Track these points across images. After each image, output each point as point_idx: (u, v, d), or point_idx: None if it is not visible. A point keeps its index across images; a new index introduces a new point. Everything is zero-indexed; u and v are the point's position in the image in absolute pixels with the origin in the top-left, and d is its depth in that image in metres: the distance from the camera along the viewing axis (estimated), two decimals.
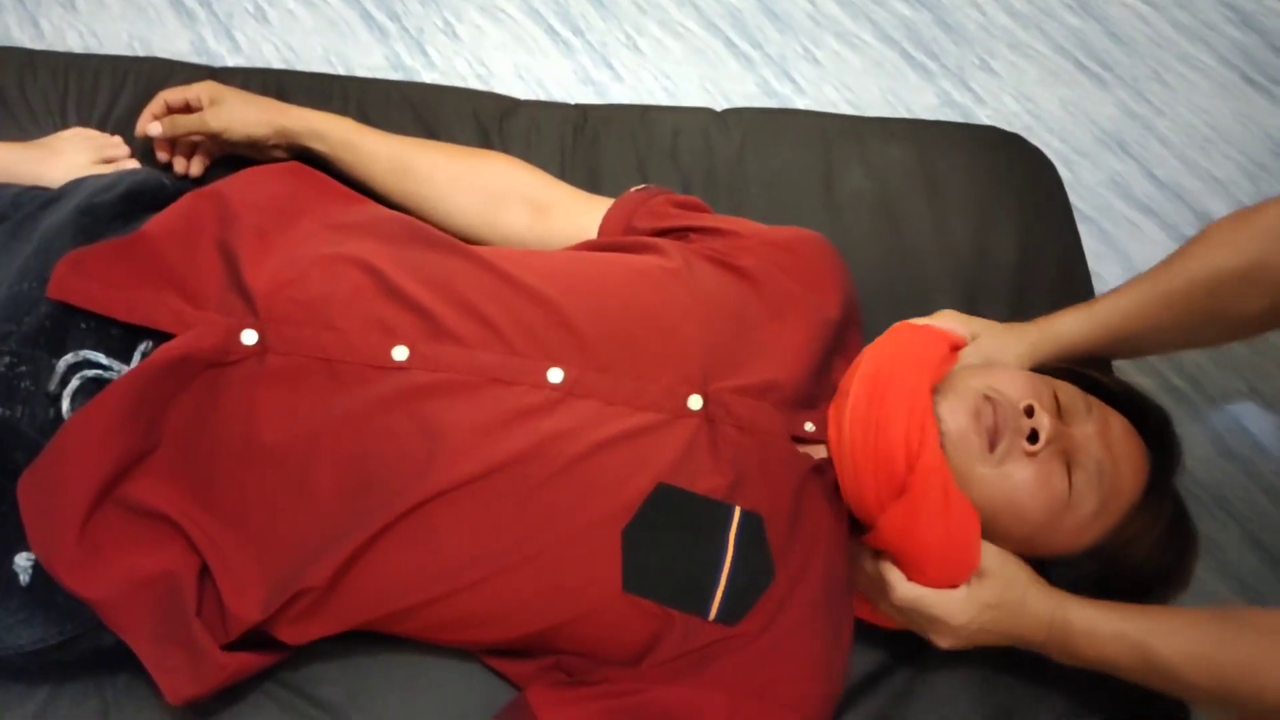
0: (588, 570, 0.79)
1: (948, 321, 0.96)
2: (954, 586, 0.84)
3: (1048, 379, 0.88)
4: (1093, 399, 0.88)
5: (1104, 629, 0.82)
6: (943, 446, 0.82)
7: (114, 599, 0.77)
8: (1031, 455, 0.82)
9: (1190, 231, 1.46)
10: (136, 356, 0.83)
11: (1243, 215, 0.93)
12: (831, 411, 0.89)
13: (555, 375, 0.82)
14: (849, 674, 0.88)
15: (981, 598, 0.84)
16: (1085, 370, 0.94)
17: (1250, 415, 1.33)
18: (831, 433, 0.88)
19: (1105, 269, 1.42)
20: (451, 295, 0.85)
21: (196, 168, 1.10)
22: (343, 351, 0.82)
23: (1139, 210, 1.48)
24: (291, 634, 0.80)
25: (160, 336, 0.83)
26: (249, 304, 0.83)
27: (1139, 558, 0.87)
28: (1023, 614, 0.84)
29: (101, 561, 0.77)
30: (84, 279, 0.82)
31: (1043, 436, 0.82)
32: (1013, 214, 1.23)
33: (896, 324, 0.94)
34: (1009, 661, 0.91)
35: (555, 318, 0.84)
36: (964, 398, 0.84)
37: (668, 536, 0.80)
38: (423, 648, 0.87)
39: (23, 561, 0.78)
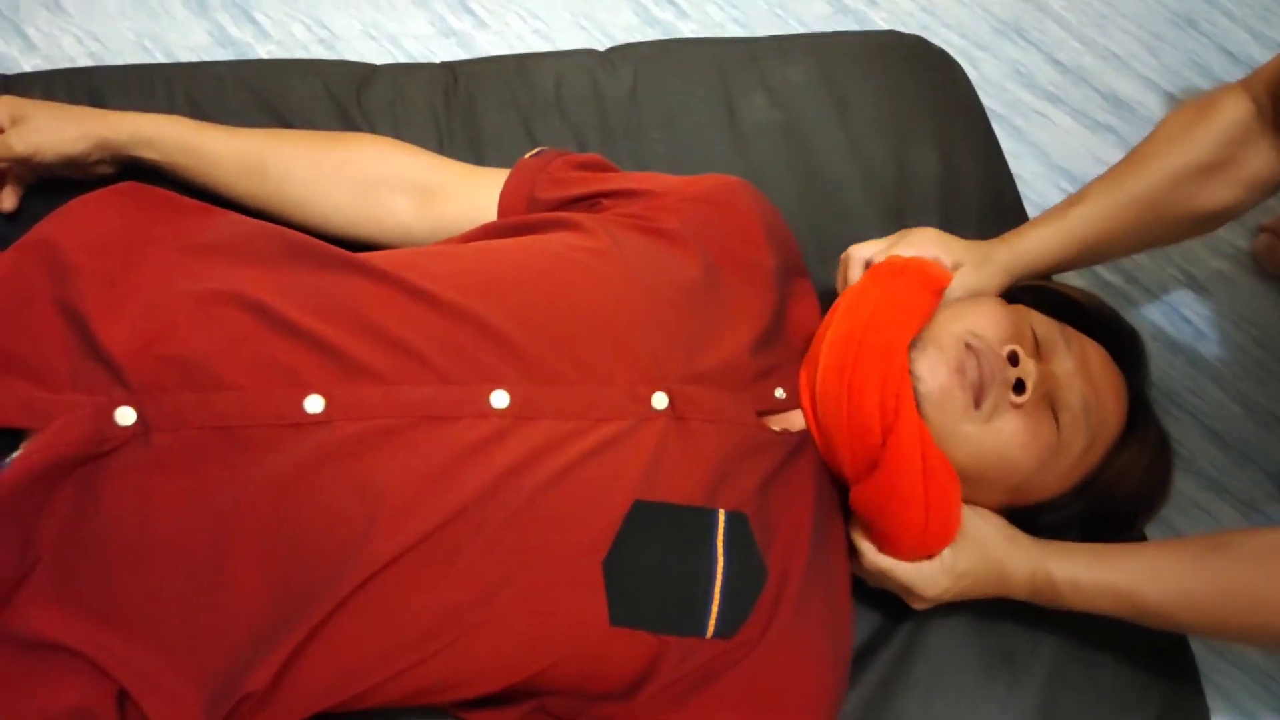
0: (569, 609, 0.71)
1: (928, 247, 0.87)
2: (929, 558, 0.80)
3: (1023, 311, 0.83)
4: (1070, 331, 0.84)
5: (1088, 580, 0.80)
6: (921, 409, 0.76)
7: None
8: (1019, 407, 0.77)
9: (1100, 115, 1.44)
10: None
11: (1196, 108, 0.90)
12: (803, 376, 0.82)
13: (499, 399, 0.71)
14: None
15: (955, 567, 0.81)
16: (1056, 290, 0.90)
17: (1187, 303, 1.31)
18: (805, 399, 0.82)
19: (1024, 168, 1.38)
20: (359, 323, 0.72)
21: (9, 201, 0.94)
22: (243, 415, 0.69)
23: (1046, 100, 1.44)
24: None
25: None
26: (112, 372, 0.69)
27: (1129, 487, 0.84)
28: (1003, 576, 0.82)
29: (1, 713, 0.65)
30: None
31: (1029, 385, 0.77)
32: (928, 123, 1.17)
33: (878, 264, 0.86)
34: (1003, 605, 0.87)
35: (482, 330, 0.73)
36: (944, 349, 0.78)
37: (652, 558, 0.72)
38: (389, 712, 0.77)
39: None
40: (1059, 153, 1.38)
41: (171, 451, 0.68)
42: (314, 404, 0.69)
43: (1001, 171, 1.18)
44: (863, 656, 0.89)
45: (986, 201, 1.15)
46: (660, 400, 0.74)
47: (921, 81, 1.20)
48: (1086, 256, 0.93)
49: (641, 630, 0.71)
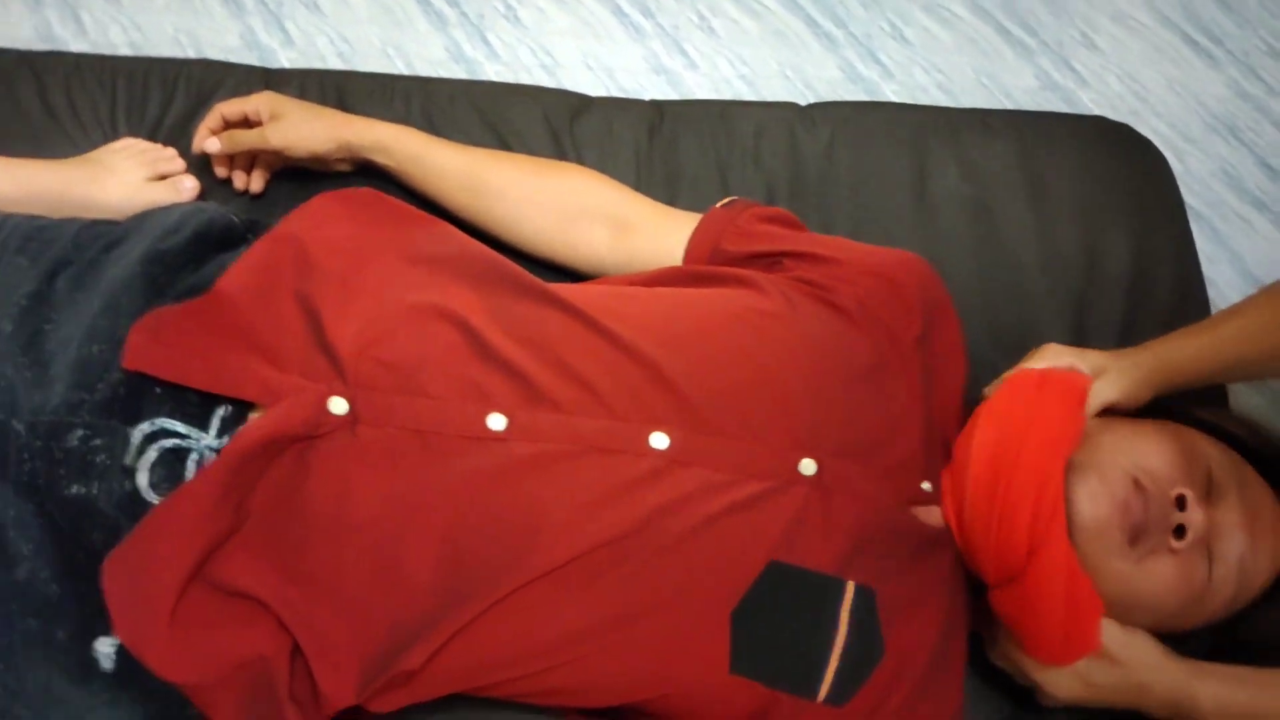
0: (693, 650, 0.76)
1: (1061, 360, 0.88)
2: (1064, 665, 0.80)
3: (1199, 444, 0.81)
4: (1248, 473, 0.82)
5: (1234, 706, 0.78)
6: (1073, 535, 0.77)
7: (206, 684, 0.74)
8: (1176, 553, 0.77)
9: None
10: (215, 421, 0.79)
11: None
12: (945, 479, 0.84)
13: (659, 441, 0.77)
14: None
15: (1091, 678, 0.80)
16: (1238, 428, 0.87)
17: None
18: (947, 504, 0.83)
19: (1217, 272, 1.34)
20: (548, 354, 0.79)
21: (257, 183, 1.06)
22: (436, 422, 0.77)
23: (1251, 205, 1.39)
24: (380, 705, 0.78)
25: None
26: (335, 366, 0.78)
27: (1263, 630, 0.83)
28: (1143, 694, 0.81)
29: (191, 646, 0.74)
30: (163, 348, 0.78)
31: (1190, 536, 0.76)
32: (1124, 215, 1.16)
33: (1014, 374, 0.87)
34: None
35: (655, 375, 0.79)
36: (1108, 481, 0.78)
37: (778, 616, 0.76)
38: (514, 706, 0.84)
39: (104, 647, 0.75)
40: (1256, 260, 1.34)
41: (372, 444, 0.76)
42: (496, 422, 0.77)
43: (1194, 274, 1.15)
44: None
45: (1174, 303, 1.13)
46: (808, 467, 0.78)
47: (1123, 170, 1.18)
48: (1237, 372, 0.90)
49: (756, 682, 0.75)
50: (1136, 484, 0.78)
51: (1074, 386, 0.84)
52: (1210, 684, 0.79)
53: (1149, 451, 0.80)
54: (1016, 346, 0.95)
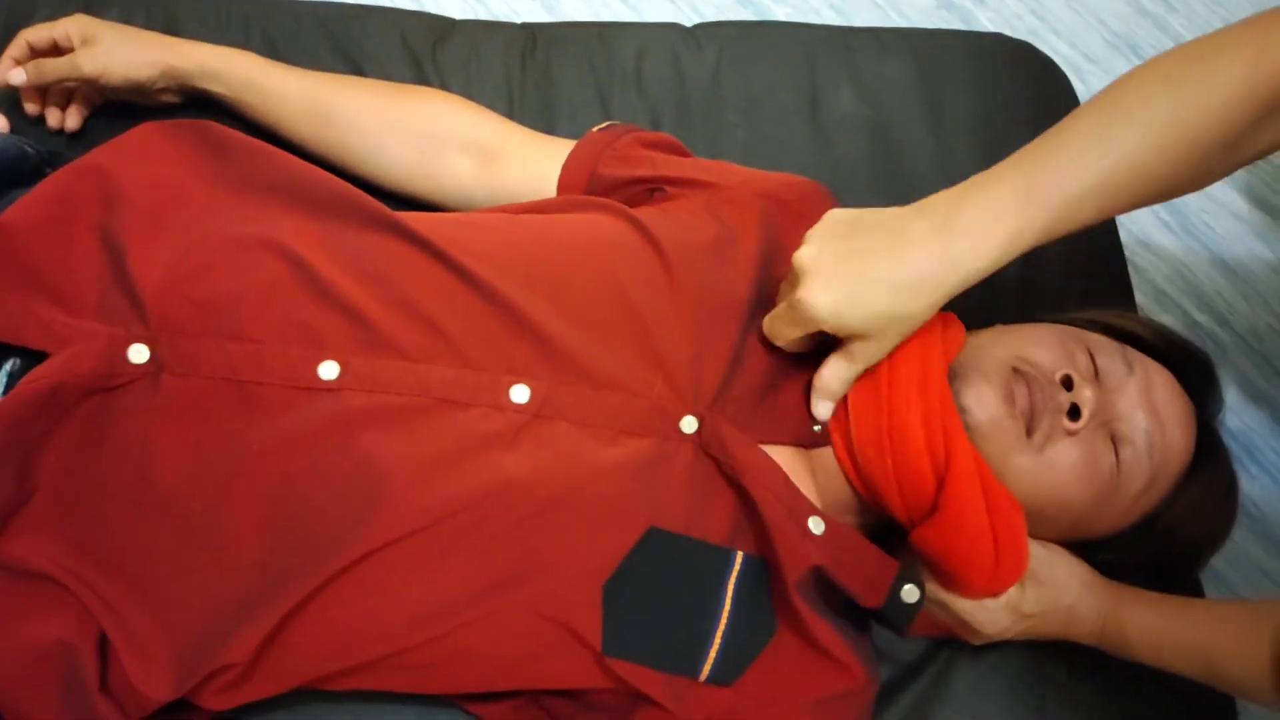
0: (560, 632, 0.68)
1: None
2: (995, 596, 0.76)
3: (1080, 334, 0.77)
4: (1134, 355, 0.77)
5: (1165, 637, 0.75)
6: (972, 440, 0.72)
7: (8, 682, 0.66)
8: (1074, 435, 0.72)
9: None
10: (2, 377, 0.68)
11: (1259, 26, 0.68)
12: (832, 424, 0.76)
13: (519, 393, 0.68)
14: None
15: (1021, 607, 0.77)
16: (1117, 319, 0.83)
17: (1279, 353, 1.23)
18: (839, 449, 0.76)
19: None
20: (392, 293, 0.70)
21: (73, 120, 0.95)
22: (256, 370, 0.67)
23: None
24: (215, 703, 0.69)
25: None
26: (137, 307, 0.68)
27: (1193, 525, 0.79)
28: (1071, 619, 0.78)
29: None
30: None
31: (1085, 412, 0.72)
32: (1025, 133, 1.08)
33: None
34: (1039, 652, 0.85)
35: (515, 319, 0.70)
36: (989, 376, 0.73)
37: (656, 590, 0.69)
38: (375, 697, 0.77)
39: None
40: None
41: (179, 397, 0.67)
42: (328, 370, 0.67)
43: None
44: (886, 695, 0.85)
45: None
46: (689, 424, 0.71)
47: (1023, 89, 1.14)
48: (1119, 210, 0.74)
49: (633, 663, 0.69)
50: (1017, 371, 0.73)
51: None
52: (1137, 608, 0.77)
53: (1024, 342, 0.76)
54: None
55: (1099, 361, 0.75)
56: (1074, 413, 0.72)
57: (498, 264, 0.72)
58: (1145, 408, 0.75)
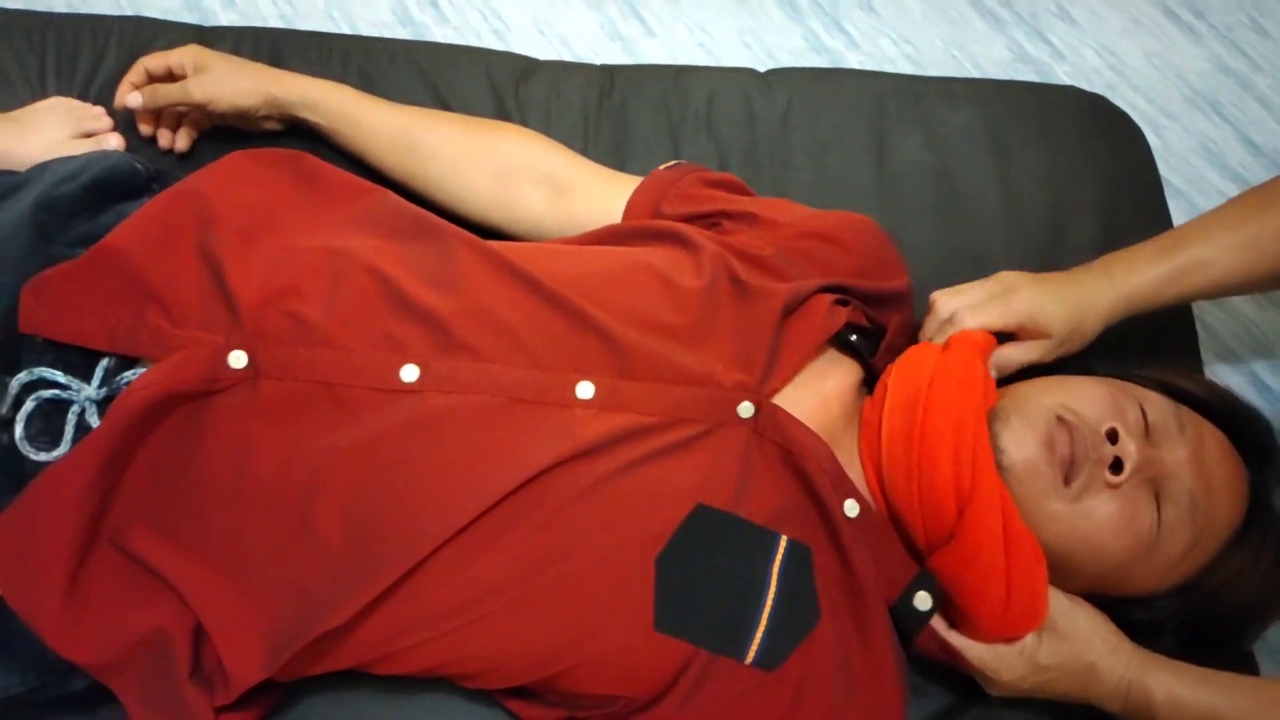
0: (615, 603, 0.71)
1: (1023, 304, 0.83)
2: (1011, 641, 0.76)
3: (1131, 389, 0.78)
4: (1186, 413, 0.78)
5: (1191, 706, 0.73)
6: (1005, 481, 0.73)
7: (105, 663, 0.71)
8: (1115, 488, 0.72)
9: None
10: (98, 372, 0.76)
11: None
12: (862, 444, 0.80)
13: (585, 390, 0.73)
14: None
15: (1038, 657, 0.76)
16: (1175, 379, 0.83)
17: None
18: (868, 470, 0.79)
19: None
20: (467, 301, 0.76)
21: (183, 142, 1.03)
22: (345, 374, 0.73)
23: (1233, 180, 1.35)
24: (283, 674, 0.73)
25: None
26: (235, 317, 0.75)
27: (1238, 595, 0.78)
28: (1091, 679, 0.76)
29: (90, 620, 0.71)
30: (54, 310, 0.75)
31: (1128, 466, 0.72)
32: (1094, 189, 1.12)
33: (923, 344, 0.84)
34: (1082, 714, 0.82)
35: (581, 323, 0.76)
36: (1033, 421, 0.75)
37: (706, 566, 0.72)
38: (428, 688, 0.80)
39: None
40: None
41: (276, 399, 0.73)
42: (409, 373, 0.73)
43: None
44: None
45: None
46: (746, 409, 0.74)
47: (1095, 143, 1.15)
48: (1200, 296, 0.86)
49: (682, 640, 0.71)
50: (1061, 420, 0.74)
51: (975, 342, 0.81)
52: (1165, 675, 0.75)
53: (1074, 392, 0.77)
54: None
55: (1150, 418, 0.76)
56: (1116, 466, 0.72)
57: (563, 278, 0.78)
58: (1193, 469, 0.75)
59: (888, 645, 0.76)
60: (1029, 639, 0.76)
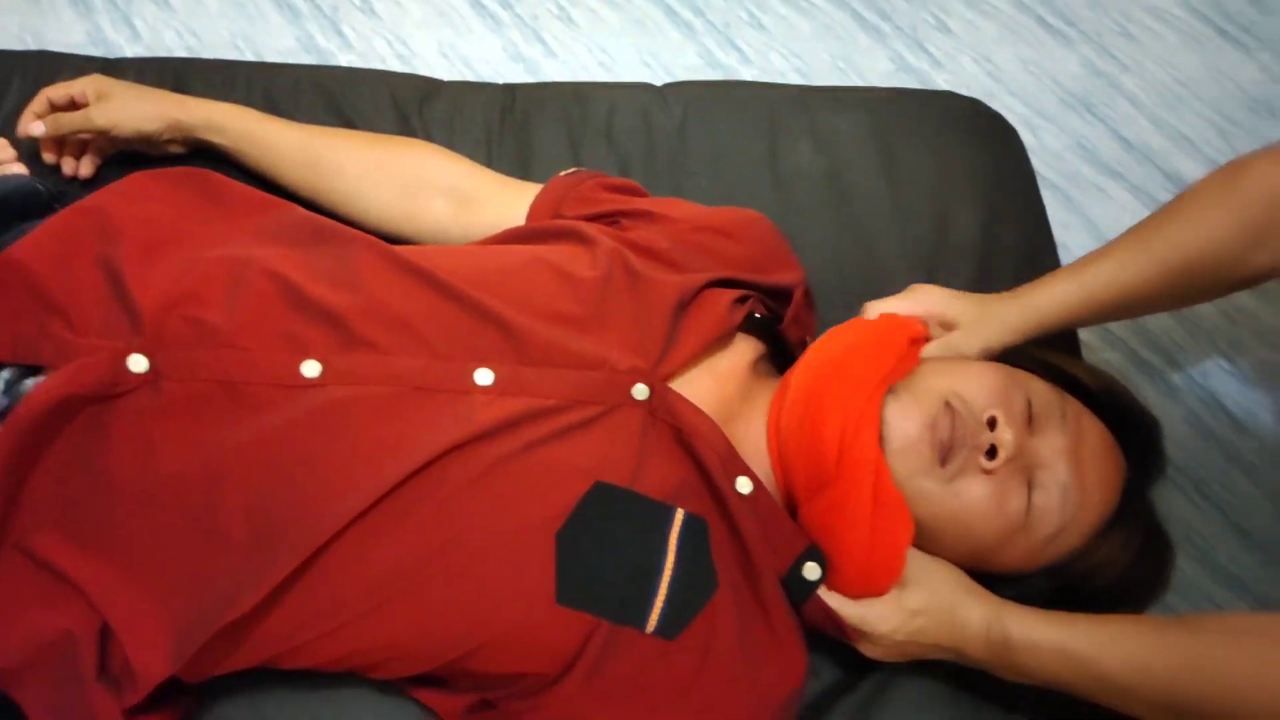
0: (517, 580, 0.73)
1: (921, 302, 0.89)
2: (876, 595, 0.79)
3: (1022, 378, 0.82)
4: (1070, 404, 0.82)
5: (1045, 642, 0.76)
6: (886, 453, 0.78)
7: (8, 665, 0.72)
8: (988, 473, 0.77)
9: (1162, 195, 1.42)
10: None
11: (1231, 171, 0.87)
12: (772, 404, 0.84)
13: (484, 377, 0.76)
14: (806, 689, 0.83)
15: (906, 603, 0.79)
16: (1070, 366, 0.88)
17: (1228, 391, 1.28)
18: (770, 426, 0.84)
19: (1072, 238, 1.38)
20: (365, 298, 0.79)
21: (86, 168, 1.04)
22: (246, 372, 0.75)
23: (1106, 175, 1.43)
24: (191, 674, 0.75)
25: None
26: (136, 324, 0.76)
27: (1104, 580, 0.82)
28: (955, 623, 0.79)
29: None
30: None
31: (1002, 454, 0.76)
32: (974, 185, 1.18)
33: (857, 318, 0.90)
34: (977, 678, 0.85)
35: (478, 313, 0.79)
36: (921, 402, 0.79)
37: (605, 540, 0.75)
38: (339, 684, 0.81)
39: None
40: (1111, 227, 1.38)
41: (178, 399, 0.74)
42: (310, 369, 0.75)
43: (1045, 242, 1.18)
44: (824, 701, 0.88)
45: (1023, 271, 1.13)
46: (640, 391, 0.78)
47: (972, 144, 1.21)
48: (1102, 316, 0.91)
49: (584, 612, 0.73)
50: (948, 405, 0.78)
51: (907, 326, 0.86)
52: (1020, 614, 0.78)
53: (967, 378, 0.81)
54: None
55: (1035, 406, 0.80)
56: (992, 452, 0.76)
57: (461, 273, 0.81)
58: (1069, 459, 0.79)
59: (785, 614, 0.80)
60: (893, 592, 0.79)
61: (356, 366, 0.76)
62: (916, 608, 0.79)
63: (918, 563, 0.80)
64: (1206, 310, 1.31)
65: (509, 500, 0.73)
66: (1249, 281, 0.88)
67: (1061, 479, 0.78)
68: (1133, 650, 0.74)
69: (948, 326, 0.89)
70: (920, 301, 0.90)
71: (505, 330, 0.78)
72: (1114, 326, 1.28)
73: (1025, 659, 0.77)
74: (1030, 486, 0.78)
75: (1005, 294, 0.92)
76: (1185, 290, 0.89)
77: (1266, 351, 1.32)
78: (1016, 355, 0.88)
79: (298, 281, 0.78)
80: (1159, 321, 1.30)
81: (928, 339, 0.88)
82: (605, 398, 0.78)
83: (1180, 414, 1.24)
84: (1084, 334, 1.15)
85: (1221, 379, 1.28)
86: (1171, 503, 1.19)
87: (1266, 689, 0.68)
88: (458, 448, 0.73)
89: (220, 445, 0.73)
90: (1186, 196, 0.89)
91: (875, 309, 0.90)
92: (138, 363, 0.74)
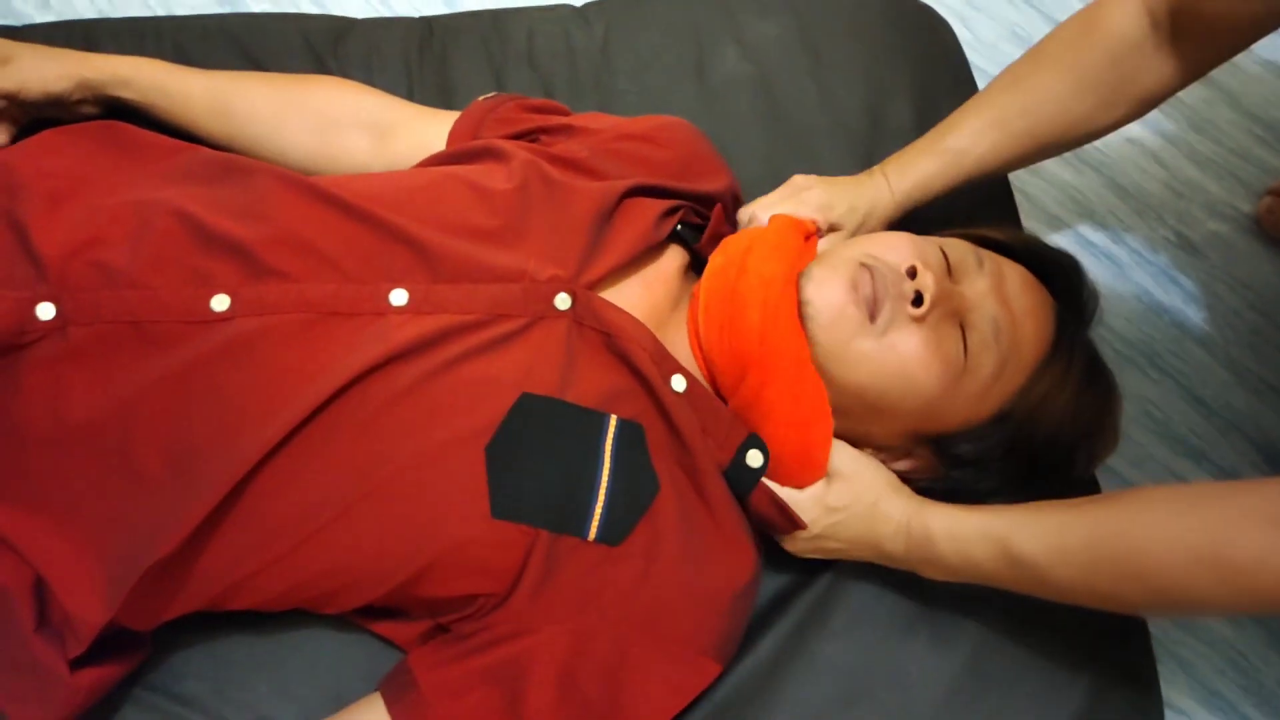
0: (448, 497, 0.74)
1: (804, 201, 0.90)
2: (800, 488, 0.80)
3: (932, 238, 0.83)
4: (985, 252, 0.83)
5: (966, 530, 0.77)
6: (810, 331, 0.78)
7: None
8: (919, 320, 0.77)
9: None
10: None
11: (1083, 20, 0.88)
12: (689, 319, 0.85)
13: (398, 297, 0.76)
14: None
15: (825, 500, 0.80)
16: (976, 229, 0.89)
17: (1179, 264, 1.28)
18: (694, 344, 0.84)
19: None
20: (273, 227, 0.78)
21: (1, 137, 1.01)
22: (153, 311, 0.74)
23: None
24: (139, 620, 0.75)
25: None
26: (41, 273, 0.76)
27: (1053, 419, 0.82)
28: (875, 519, 0.80)
29: None
30: None
31: (928, 297, 0.77)
32: (906, 79, 1.18)
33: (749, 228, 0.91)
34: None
35: (388, 234, 0.78)
36: (836, 268, 0.80)
37: (536, 451, 0.75)
38: (293, 623, 0.83)
39: None
40: None
41: (85, 343, 0.74)
42: (220, 302, 0.75)
43: None
44: (780, 601, 0.90)
45: None
46: (563, 301, 0.78)
47: (901, 36, 1.21)
48: (970, 180, 0.92)
49: (521, 524, 0.73)
50: (863, 265, 0.79)
51: (797, 222, 0.88)
52: (941, 508, 0.79)
53: (876, 242, 0.82)
54: None
55: (950, 258, 0.80)
56: (918, 300, 0.77)
57: (371, 195, 0.80)
58: (994, 297, 0.79)
59: (730, 508, 0.81)
60: (817, 485, 0.80)
61: (266, 296, 0.75)
62: (836, 504, 0.80)
63: (845, 457, 0.81)
64: (1152, 186, 1.30)
65: (432, 418, 0.73)
66: (1091, 137, 0.90)
67: (991, 314, 0.79)
68: (1049, 528, 0.73)
69: (834, 229, 0.91)
70: (803, 200, 0.90)
71: (417, 248, 0.77)
72: (1061, 213, 1.28)
73: (944, 549, 0.77)
74: (964, 329, 0.78)
75: (873, 172, 0.93)
76: (1039, 154, 0.91)
77: (1216, 222, 1.31)
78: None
79: (203, 217, 0.77)
80: (1104, 202, 1.29)
81: (820, 234, 0.90)
82: (526, 309, 0.77)
83: (1130, 291, 1.24)
84: (1027, 219, 1.15)
85: (1171, 252, 1.28)
86: (1128, 379, 1.19)
87: (1172, 550, 0.67)
88: (376, 368, 0.73)
89: (130, 385, 0.73)
90: (1038, 54, 0.90)
91: (763, 207, 0.91)
92: (45, 310, 0.74)
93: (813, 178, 0.93)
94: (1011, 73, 0.90)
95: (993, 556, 0.75)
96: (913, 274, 0.77)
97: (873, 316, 0.77)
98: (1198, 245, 1.29)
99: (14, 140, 1.02)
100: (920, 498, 0.81)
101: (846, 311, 0.78)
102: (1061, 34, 0.89)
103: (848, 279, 0.78)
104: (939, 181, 0.91)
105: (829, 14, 1.20)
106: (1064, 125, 0.88)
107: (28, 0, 1.27)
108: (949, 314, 0.78)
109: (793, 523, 0.81)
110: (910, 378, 0.78)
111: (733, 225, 0.96)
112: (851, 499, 0.80)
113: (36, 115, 1.01)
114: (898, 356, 0.77)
